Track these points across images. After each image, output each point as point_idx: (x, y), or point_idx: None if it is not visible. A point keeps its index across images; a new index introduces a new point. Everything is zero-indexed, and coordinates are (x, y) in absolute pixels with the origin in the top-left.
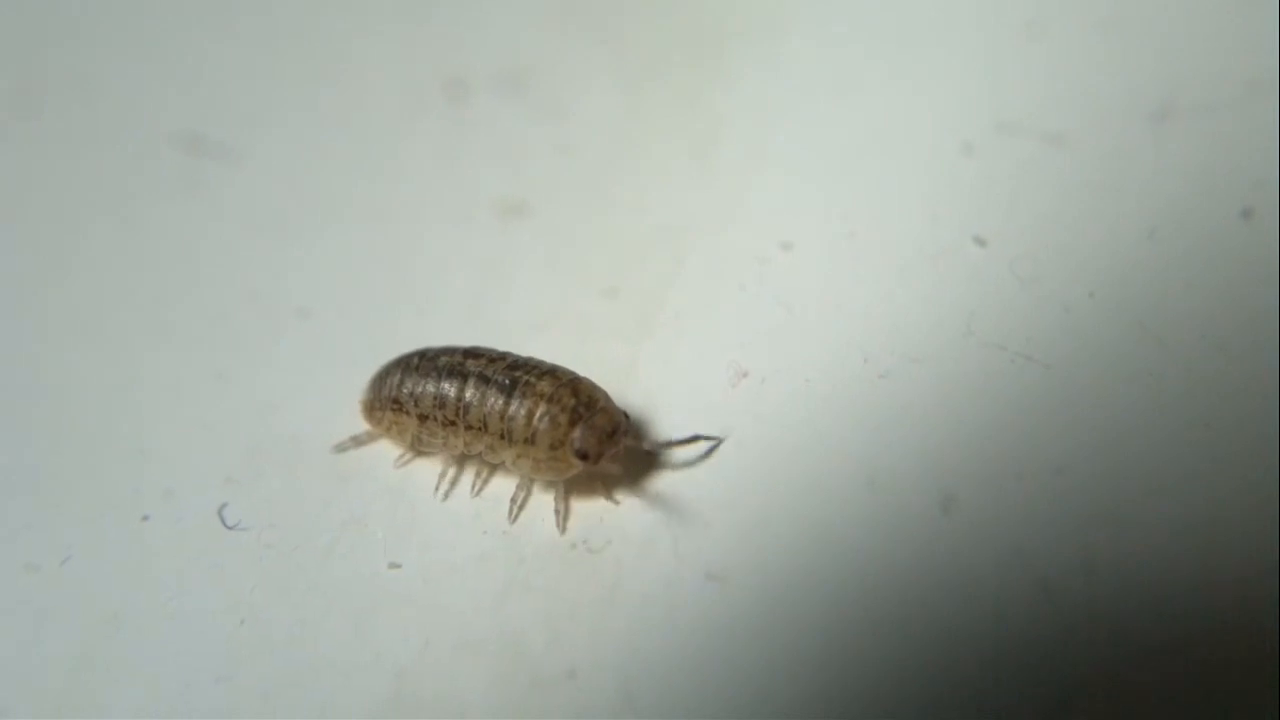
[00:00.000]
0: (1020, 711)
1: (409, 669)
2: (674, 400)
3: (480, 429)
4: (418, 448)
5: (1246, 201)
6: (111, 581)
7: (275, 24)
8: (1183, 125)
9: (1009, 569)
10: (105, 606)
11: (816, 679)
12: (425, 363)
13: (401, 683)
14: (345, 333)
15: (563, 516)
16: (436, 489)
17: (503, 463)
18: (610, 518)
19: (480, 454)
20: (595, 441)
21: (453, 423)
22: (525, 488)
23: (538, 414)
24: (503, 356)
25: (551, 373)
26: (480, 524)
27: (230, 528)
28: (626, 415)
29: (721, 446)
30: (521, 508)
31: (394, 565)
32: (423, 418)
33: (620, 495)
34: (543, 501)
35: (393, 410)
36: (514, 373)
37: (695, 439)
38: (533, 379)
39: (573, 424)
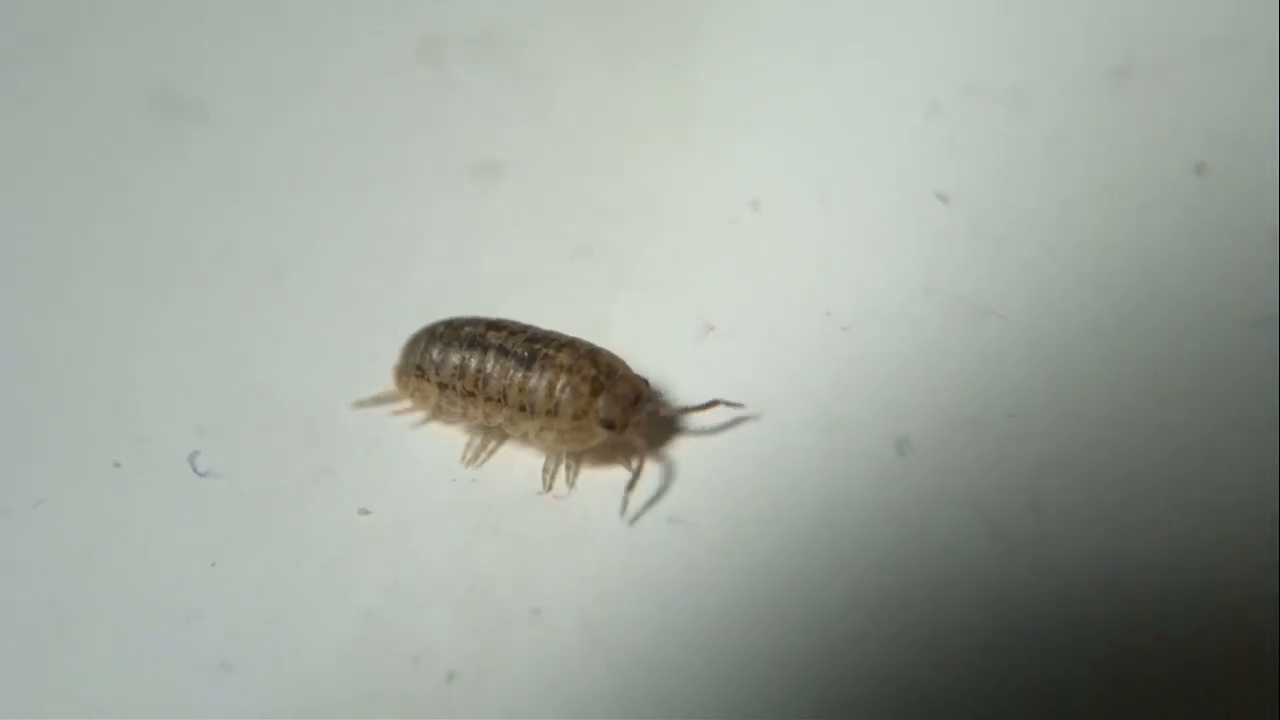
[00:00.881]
0: (967, 646)
1: (378, 609)
2: (643, 355)
3: (500, 401)
4: (439, 416)
5: (1199, 157)
6: (83, 526)
7: None
8: (1141, 84)
9: (960, 509)
10: (77, 550)
11: (771, 615)
12: (449, 332)
13: (370, 622)
14: (319, 289)
15: (564, 476)
16: (463, 458)
17: (524, 435)
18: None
19: (500, 425)
20: (620, 410)
21: (471, 393)
22: (554, 458)
23: (559, 385)
24: (524, 329)
25: (570, 344)
26: (450, 473)
27: (202, 475)
28: (647, 382)
29: (685, 396)
30: (554, 476)
31: (364, 512)
32: (442, 386)
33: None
34: (510, 453)
35: (416, 377)
36: (533, 345)
37: (715, 404)
38: (551, 351)
39: (595, 393)
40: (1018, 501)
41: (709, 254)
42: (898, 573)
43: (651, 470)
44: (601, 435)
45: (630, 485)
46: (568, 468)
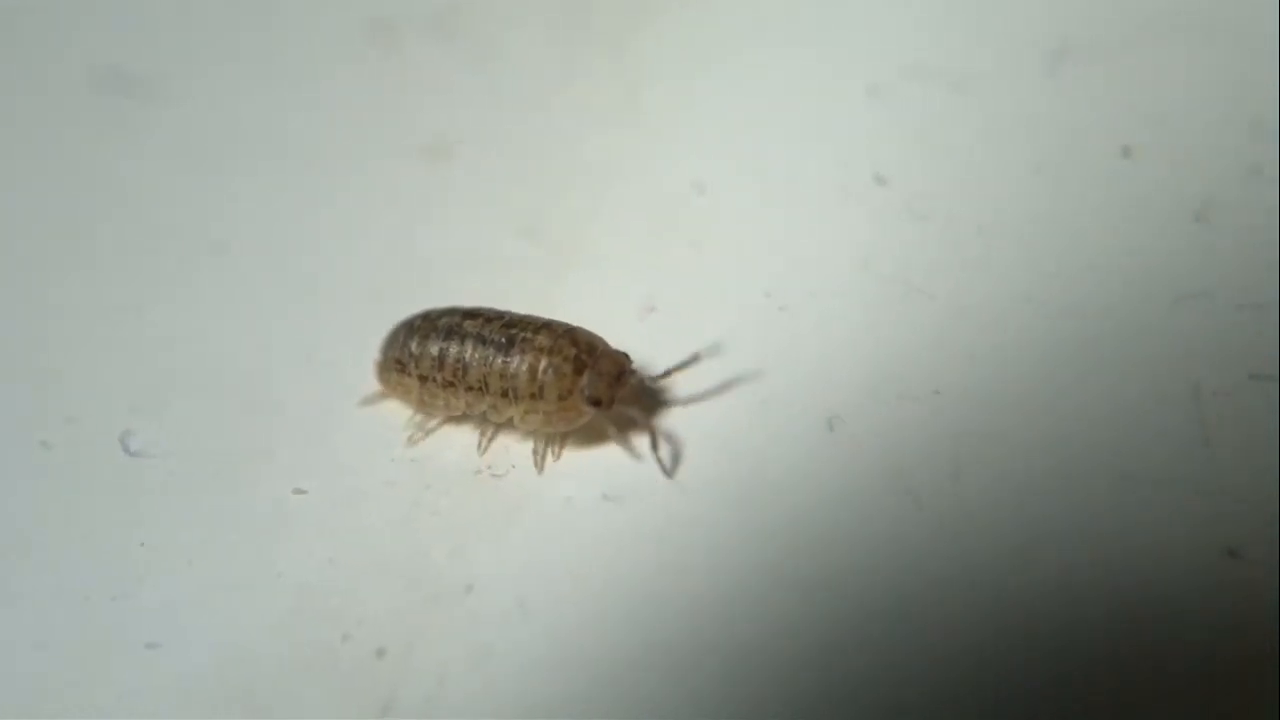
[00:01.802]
0: (890, 612)
1: (311, 585)
2: None
3: (480, 389)
4: (422, 409)
5: (1126, 140)
6: (8, 508)
7: None
8: (1075, 68)
9: (885, 478)
10: (3, 530)
11: (702, 584)
12: (426, 323)
13: (302, 597)
14: (261, 269)
15: (542, 458)
16: (409, 439)
17: (508, 421)
18: (517, 446)
19: (484, 414)
20: (605, 385)
21: (451, 384)
22: (541, 439)
23: (541, 367)
24: (500, 315)
25: (548, 326)
26: (389, 452)
27: (133, 454)
28: (627, 356)
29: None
30: (544, 458)
31: (299, 491)
32: (423, 379)
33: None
34: (448, 432)
35: (397, 371)
36: (510, 330)
37: (696, 358)
38: (529, 334)
39: (578, 372)
40: (938, 469)
41: (653, 235)
42: (825, 541)
43: (586, 449)
44: (588, 413)
45: (654, 447)
46: (552, 449)
